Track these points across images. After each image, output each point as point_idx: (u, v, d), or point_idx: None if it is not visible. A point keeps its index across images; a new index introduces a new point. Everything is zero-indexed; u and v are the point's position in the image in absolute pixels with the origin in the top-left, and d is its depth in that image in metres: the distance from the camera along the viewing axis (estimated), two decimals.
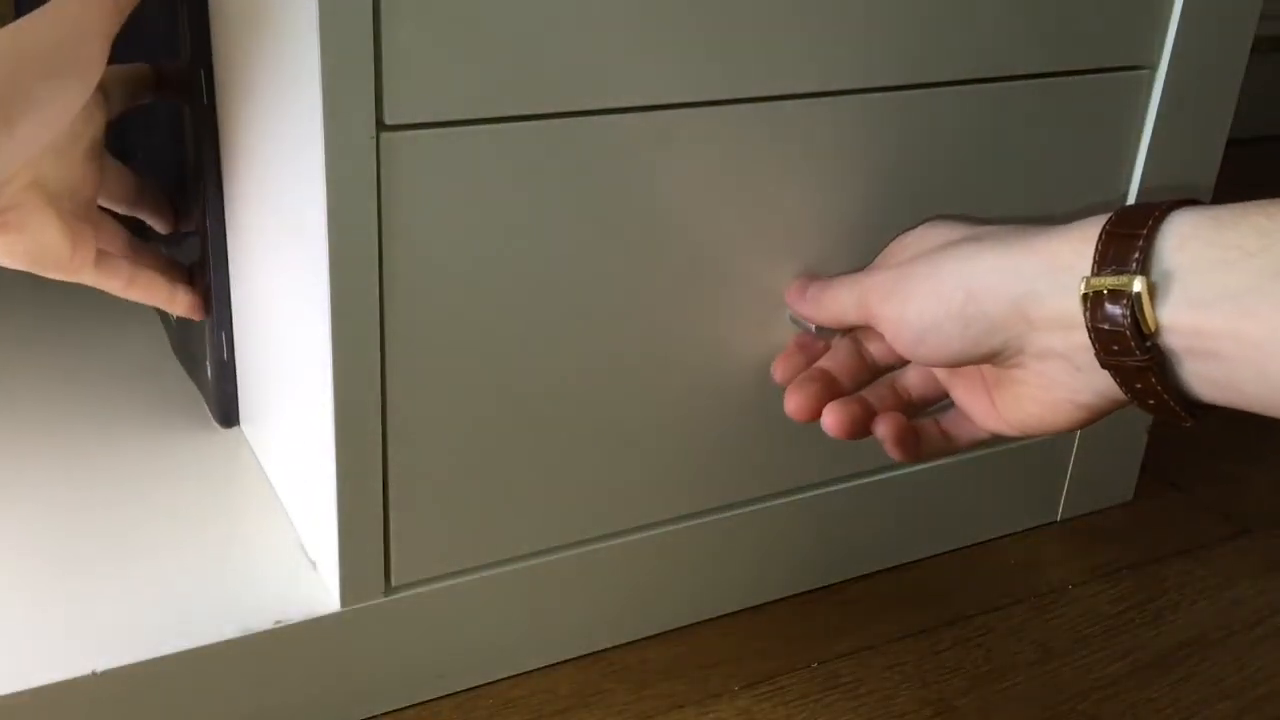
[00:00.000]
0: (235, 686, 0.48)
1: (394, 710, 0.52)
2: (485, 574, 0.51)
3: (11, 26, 0.43)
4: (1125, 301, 0.37)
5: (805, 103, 0.49)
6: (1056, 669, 0.57)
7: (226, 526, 0.54)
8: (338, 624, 0.49)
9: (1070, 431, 0.44)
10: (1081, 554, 0.66)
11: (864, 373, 0.50)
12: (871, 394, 0.49)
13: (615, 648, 0.56)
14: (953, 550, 0.65)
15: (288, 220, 0.45)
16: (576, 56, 0.43)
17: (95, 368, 0.67)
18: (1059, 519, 0.69)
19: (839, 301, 0.49)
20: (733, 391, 0.53)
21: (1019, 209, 0.56)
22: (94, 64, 0.46)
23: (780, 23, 0.46)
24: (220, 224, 0.55)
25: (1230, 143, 0.61)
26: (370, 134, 0.41)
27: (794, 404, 0.48)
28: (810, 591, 0.61)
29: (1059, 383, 0.42)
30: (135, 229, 0.57)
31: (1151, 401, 0.39)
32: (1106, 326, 0.38)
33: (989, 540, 0.66)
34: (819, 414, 0.48)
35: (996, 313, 0.42)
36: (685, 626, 0.58)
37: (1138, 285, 0.37)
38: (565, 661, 0.55)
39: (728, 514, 0.56)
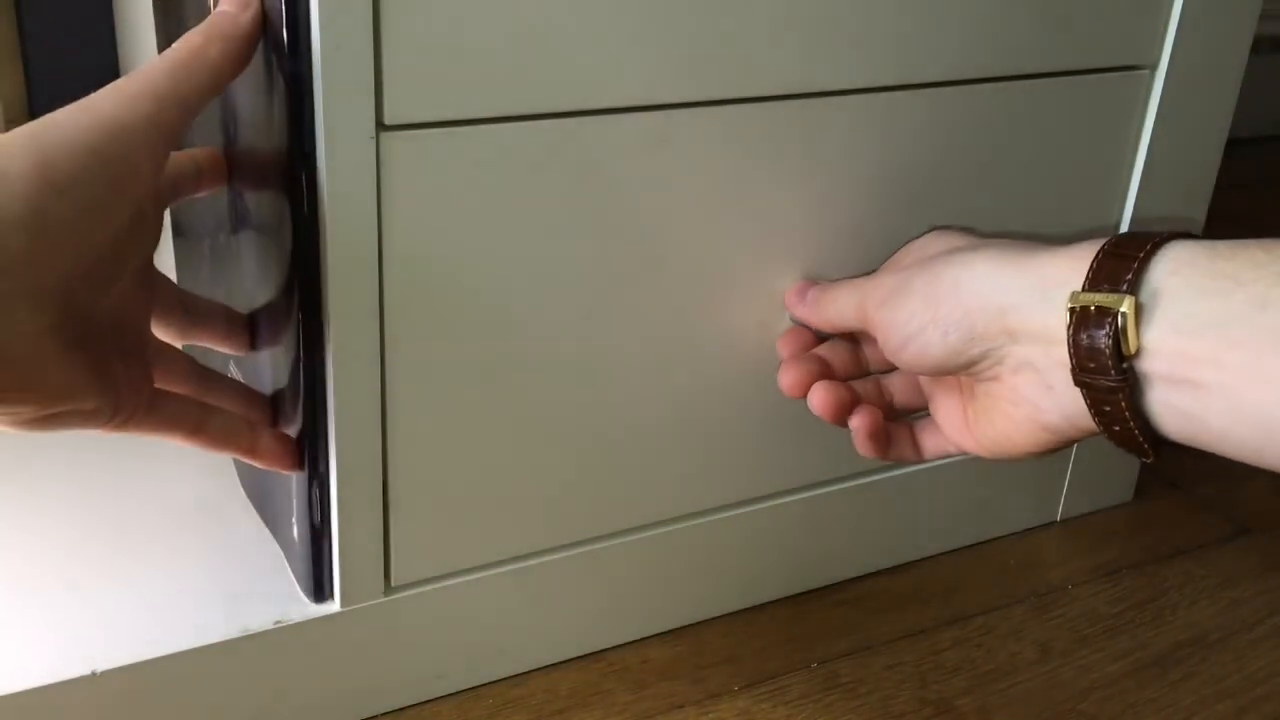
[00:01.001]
0: (235, 686, 0.48)
1: (394, 710, 0.52)
2: (485, 574, 0.51)
3: (35, 124, 0.34)
4: (1110, 320, 0.38)
5: (805, 103, 0.49)
6: (1056, 669, 0.57)
7: (227, 526, 0.54)
8: (338, 624, 0.49)
9: (1033, 457, 0.44)
10: (1081, 554, 0.66)
11: (856, 371, 0.51)
12: (858, 388, 0.51)
13: (615, 648, 0.56)
14: (952, 550, 0.65)
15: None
16: (576, 56, 0.43)
17: None
18: (1059, 519, 0.69)
19: (838, 305, 0.49)
20: (732, 391, 0.53)
21: (1019, 209, 0.56)
22: (140, 187, 0.36)
23: (780, 23, 0.46)
24: (321, 344, 0.43)
25: (1230, 142, 0.61)
26: (370, 134, 0.41)
27: (788, 379, 0.50)
28: (810, 591, 0.61)
29: (1028, 399, 0.42)
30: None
31: (1117, 428, 0.39)
32: (1087, 342, 0.39)
33: (989, 540, 0.66)
34: (808, 392, 0.49)
35: (980, 321, 0.42)
36: (685, 626, 0.58)
37: (1125, 305, 0.38)
38: (565, 661, 0.55)
39: (727, 514, 0.56)
